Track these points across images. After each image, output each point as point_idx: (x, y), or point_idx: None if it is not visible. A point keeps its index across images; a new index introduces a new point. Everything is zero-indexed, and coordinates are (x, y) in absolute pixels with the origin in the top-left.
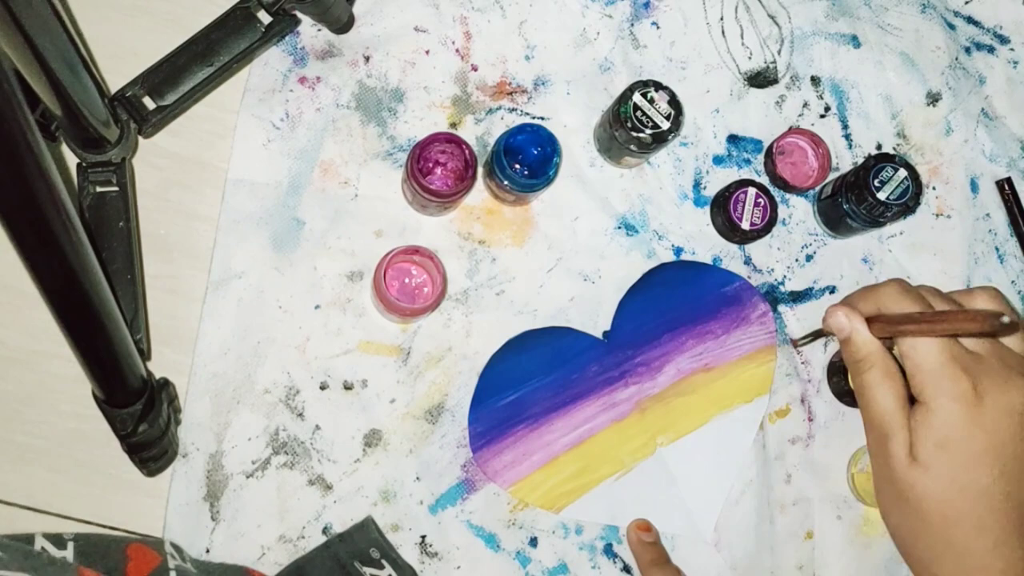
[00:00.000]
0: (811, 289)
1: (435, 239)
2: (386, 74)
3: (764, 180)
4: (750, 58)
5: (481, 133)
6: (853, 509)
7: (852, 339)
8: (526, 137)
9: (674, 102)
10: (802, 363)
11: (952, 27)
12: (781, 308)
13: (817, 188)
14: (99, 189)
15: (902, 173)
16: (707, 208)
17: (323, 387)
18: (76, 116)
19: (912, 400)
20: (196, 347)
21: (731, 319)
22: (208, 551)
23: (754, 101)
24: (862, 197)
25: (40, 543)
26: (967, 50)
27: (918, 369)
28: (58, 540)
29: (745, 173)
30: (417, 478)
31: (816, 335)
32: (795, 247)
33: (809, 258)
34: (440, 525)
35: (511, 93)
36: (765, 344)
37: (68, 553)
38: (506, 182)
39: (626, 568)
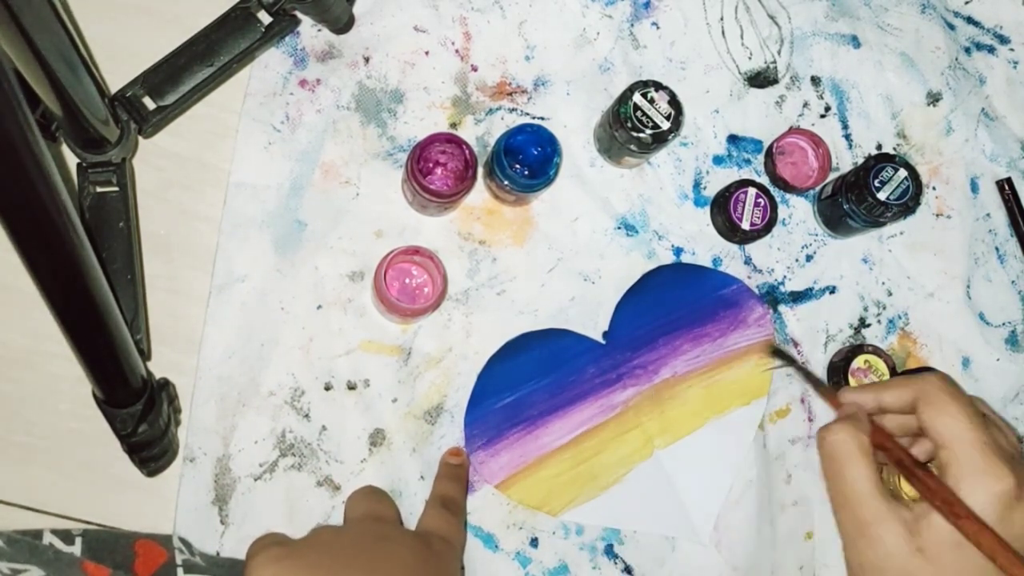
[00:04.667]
0: (811, 289)
1: (435, 239)
2: (386, 75)
3: (764, 180)
4: (750, 58)
5: (481, 133)
6: None
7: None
8: (526, 137)
9: (674, 102)
10: (803, 363)
11: (952, 27)
12: (781, 308)
13: (817, 188)
14: (99, 189)
15: (902, 173)
16: (707, 208)
17: (328, 387)
18: (76, 116)
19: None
20: (200, 352)
21: (728, 322)
22: (218, 555)
23: (754, 101)
24: (862, 197)
25: (48, 539)
26: (967, 50)
27: (952, 453)
28: (66, 536)
29: (745, 173)
30: (421, 477)
31: (790, 362)
32: (795, 247)
33: (809, 258)
34: None
35: (511, 93)
36: (763, 347)
37: (76, 548)
38: (506, 182)
39: (627, 569)
